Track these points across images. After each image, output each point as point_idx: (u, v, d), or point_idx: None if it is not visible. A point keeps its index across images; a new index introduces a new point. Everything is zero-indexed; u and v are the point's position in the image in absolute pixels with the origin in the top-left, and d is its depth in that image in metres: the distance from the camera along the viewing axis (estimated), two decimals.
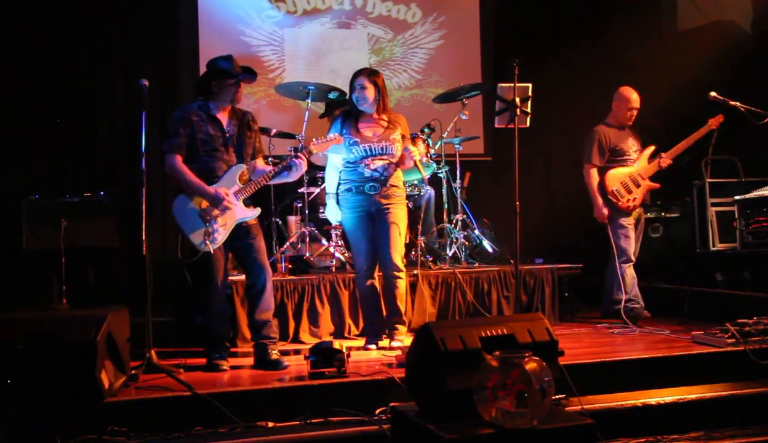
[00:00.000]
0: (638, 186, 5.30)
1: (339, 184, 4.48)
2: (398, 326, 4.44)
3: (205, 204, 3.95)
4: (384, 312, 4.51)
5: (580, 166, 5.42)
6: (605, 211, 5.26)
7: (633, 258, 5.28)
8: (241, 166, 4.08)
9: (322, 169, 4.90)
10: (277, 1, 7.04)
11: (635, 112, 5.38)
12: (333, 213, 4.54)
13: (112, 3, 6.40)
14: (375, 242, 4.42)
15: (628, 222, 5.31)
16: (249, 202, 4.11)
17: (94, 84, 6.39)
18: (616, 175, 5.29)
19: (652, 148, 5.41)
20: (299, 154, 4.14)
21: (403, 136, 4.47)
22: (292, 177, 4.22)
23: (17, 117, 5.90)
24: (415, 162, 4.37)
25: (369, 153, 4.36)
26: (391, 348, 4.31)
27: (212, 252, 3.90)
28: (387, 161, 4.40)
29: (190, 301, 5.20)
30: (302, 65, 7.02)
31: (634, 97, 5.35)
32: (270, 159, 5.07)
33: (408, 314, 4.79)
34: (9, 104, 5.85)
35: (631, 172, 5.31)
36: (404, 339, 4.36)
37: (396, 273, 4.40)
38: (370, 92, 4.37)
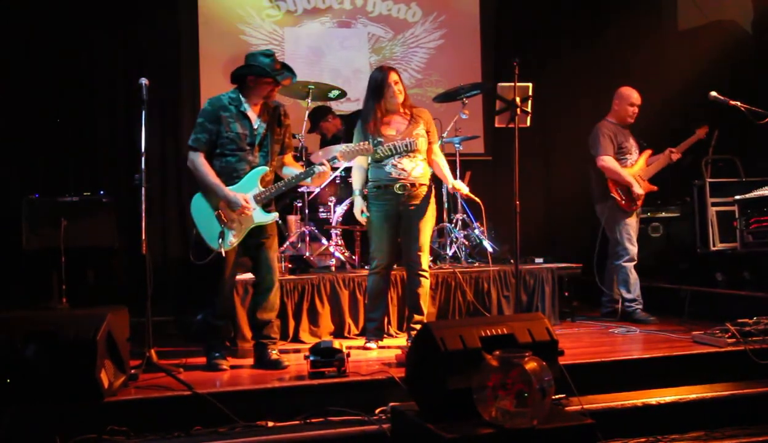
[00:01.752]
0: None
1: (368, 182, 4.42)
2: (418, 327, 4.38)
3: (222, 205, 3.90)
4: (383, 312, 4.53)
5: (588, 162, 5.42)
6: (641, 190, 5.25)
7: (636, 259, 5.29)
8: (264, 169, 4.00)
9: None
10: (278, 0, 7.05)
11: (637, 110, 5.40)
12: (359, 211, 4.43)
13: (113, 3, 6.39)
14: (398, 242, 4.39)
15: (632, 222, 5.33)
16: (269, 205, 4.07)
17: (94, 84, 6.39)
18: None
19: (649, 152, 5.44)
20: (324, 162, 4.07)
21: (428, 132, 4.44)
22: (315, 183, 4.16)
23: (17, 117, 5.89)
24: (467, 195, 4.59)
25: (394, 151, 4.32)
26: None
27: (224, 254, 3.88)
28: (413, 158, 4.36)
29: (191, 300, 5.21)
30: (302, 64, 7.01)
31: (635, 95, 5.39)
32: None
33: None
34: (9, 104, 5.84)
35: (634, 173, 5.33)
36: None
37: (422, 272, 4.39)
38: (401, 86, 4.38)
